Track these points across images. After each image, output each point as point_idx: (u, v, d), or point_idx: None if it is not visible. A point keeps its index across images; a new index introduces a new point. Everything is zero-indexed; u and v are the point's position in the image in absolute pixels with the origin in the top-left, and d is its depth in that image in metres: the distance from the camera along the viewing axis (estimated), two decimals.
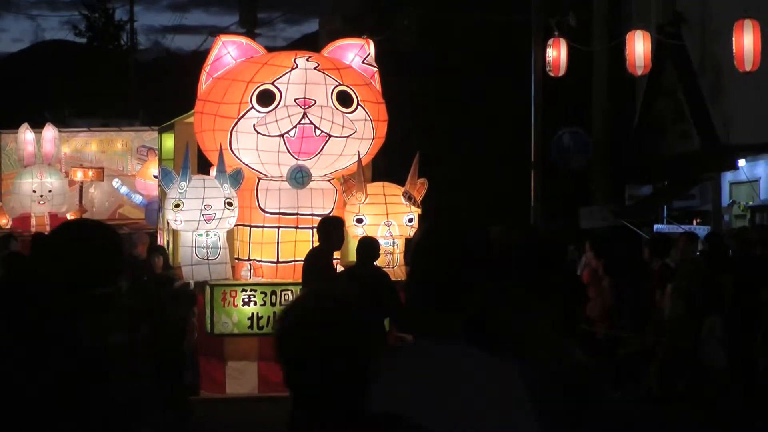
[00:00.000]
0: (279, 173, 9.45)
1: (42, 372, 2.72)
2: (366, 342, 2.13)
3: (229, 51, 9.79)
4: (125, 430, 2.82)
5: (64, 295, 2.83)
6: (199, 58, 22.42)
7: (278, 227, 9.62)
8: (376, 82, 10.00)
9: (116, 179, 17.27)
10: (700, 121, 15.61)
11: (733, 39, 12.92)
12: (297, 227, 9.58)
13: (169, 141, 11.31)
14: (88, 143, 18.28)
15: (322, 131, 9.22)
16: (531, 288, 2.66)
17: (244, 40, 10.24)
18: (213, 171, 10.67)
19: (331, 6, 24.81)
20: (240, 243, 9.90)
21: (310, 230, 9.33)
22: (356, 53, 10.02)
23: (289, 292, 9.29)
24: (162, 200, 10.61)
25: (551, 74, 16.26)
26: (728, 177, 15.95)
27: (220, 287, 9.37)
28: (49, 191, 16.38)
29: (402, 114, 10.02)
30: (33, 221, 16.10)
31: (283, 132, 9.20)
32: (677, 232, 14.15)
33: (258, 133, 9.25)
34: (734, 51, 12.91)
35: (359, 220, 9.74)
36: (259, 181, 9.68)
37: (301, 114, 9.18)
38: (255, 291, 9.33)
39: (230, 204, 9.51)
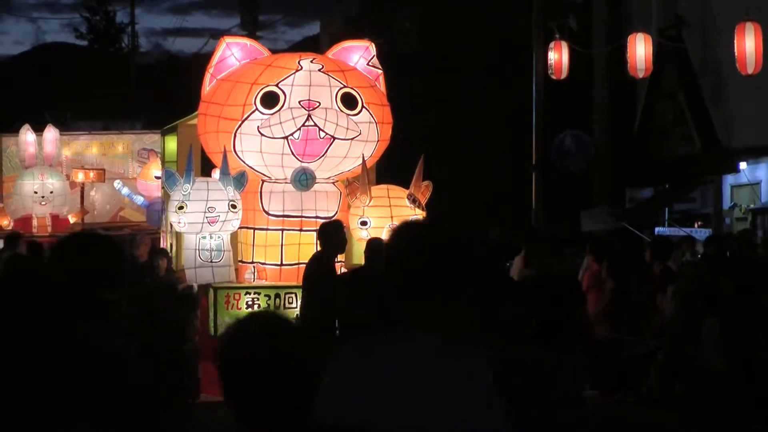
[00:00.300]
0: (283, 175, 9.41)
1: (45, 373, 2.76)
2: (302, 365, 2.25)
3: (233, 52, 9.76)
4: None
5: (70, 299, 2.90)
6: (200, 60, 22.43)
7: (282, 230, 9.59)
8: (381, 84, 9.96)
9: (117, 180, 17.28)
10: (701, 123, 15.62)
11: (735, 41, 12.94)
12: (301, 230, 9.55)
13: (172, 143, 11.30)
14: (89, 146, 18.28)
15: (327, 133, 9.18)
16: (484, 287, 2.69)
17: (248, 42, 10.21)
18: (215, 173, 10.66)
19: (333, 8, 24.86)
20: (244, 245, 9.87)
21: (314, 233, 9.30)
22: (361, 55, 9.98)
23: (292, 295, 9.27)
24: (165, 202, 10.59)
25: (552, 77, 16.29)
26: (729, 180, 15.95)
27: (224, 290, 9.37)
28: (51, 192, 16.40)
29: (403, 116, 9.98)
30: (34, 222, 16.12)
31: (287, 134, 9.16)
32: (678, 234, 14.17)
33: (262, 135, 9.21)
34: (735, 53, 12.93)
35: (363, 223, 9.68)
36: (263, 183, 9.64)
37: (306, 116, 9.14)
38: (259, 294, 9.32)
39: (234, 206, 9.48)
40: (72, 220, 16.92)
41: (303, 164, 9.27)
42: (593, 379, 10.98)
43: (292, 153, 9.23)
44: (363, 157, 9.47)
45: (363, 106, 9.42)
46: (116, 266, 3.02)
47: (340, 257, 8.74)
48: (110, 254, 3.02)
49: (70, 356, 2.76)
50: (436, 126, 19.83)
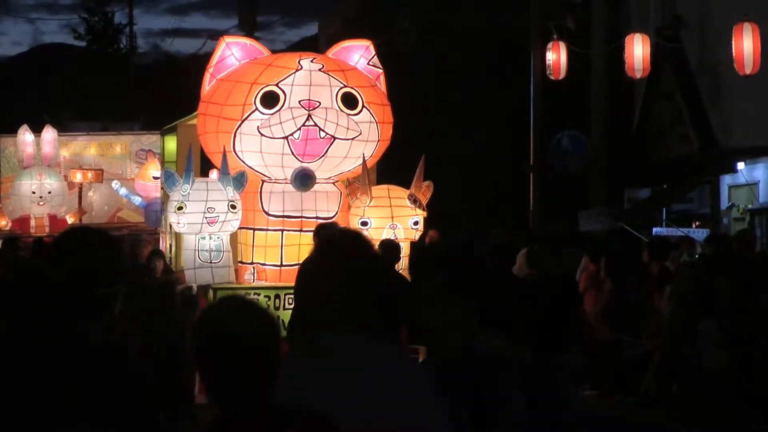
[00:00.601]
0: (283, 176, 9.39)
1: (44, 373, 2.78)
2: (274, 343, 2.37)
3: (232, 52, 9.72)
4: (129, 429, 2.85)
5: (67, 295, 2.92)
6: (198, 61, 22.42)
7: (282, 230, 9.57)
8: (382, 84, 9.92)
9: (115, 181, 17.28)
10: (699, 124, 15.62)
11: (733, 42, 12.95)
12: (301, 230, 9.50)
13: (171, 143, 11.29)
14: (87, 147, 18.27)
15: (327, 133, 9.15)
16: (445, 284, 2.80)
17: (248, 41, 10.18)
18: (212, 173, 10.65)
19: (331, 8, 24.86)
20: (243, 246, 9.85)
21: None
22: (361, 54, 9.94)
23: (292, 296, 9.24)
24: (165, 203, 10.58)
25: (551, 77, 16.30)
26: (727, 180, 15.96)
27: (223, 291, 9.31)
28: (49, 192, 16.40)
29: (402, 116, 9.96)
30: (32, 223, 16.12)
31: (287, 134, 9.14)
32: (676, 235, 14.18)
33: (262, 135, 9.18)
34: (734, 54, 12.93)
35: (364, 223, 9.64)
36: (262, 183, 9.62)
37: (306, 116, 9.12)
38: (258, 294, 9.22)
39: (234, 207, 9.46)
40: (70, 220, 16.90)
41: (303, 164, 9.24)
42: (592, 379, 11.01)
43: (292, 153, 9.21)
44: (363, 157, 9.43)
45: (363, 106, 9.39)
46: (112, 260, 3.07)
47: None
48: (106, 249, 3.06)
49: (70, 356, 2.80)
50: (435, 126, 19.83)
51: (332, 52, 10.14)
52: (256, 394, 2.36)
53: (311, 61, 9.50)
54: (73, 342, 2.87)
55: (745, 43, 12.88)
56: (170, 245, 10.79)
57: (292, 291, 9.21)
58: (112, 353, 2.86)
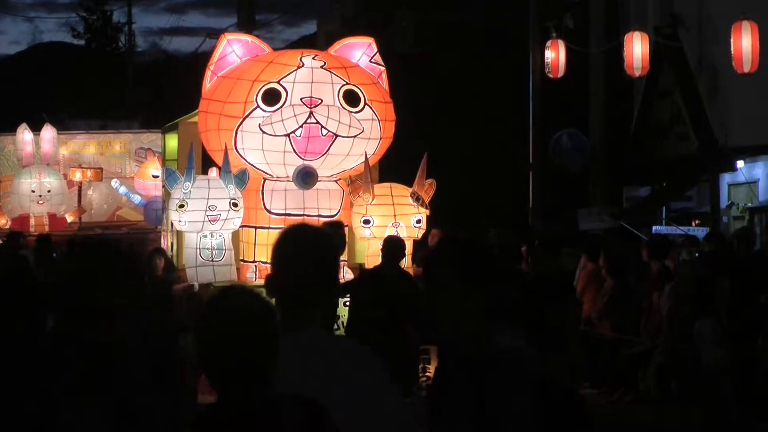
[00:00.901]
0: (285, 173, 9.32)
1: (47, 365, 3.00)
2: (273, 332, 2.47)
3: (234, 49, 9.64)
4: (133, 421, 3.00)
5: (75, 300, 3.14)
6: (197, 59, 22.38)
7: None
8: (384, 81, 9.85)
9: (115, 179, 17.27)
10: (698, 122, 15.63)
11: (731, 40, 12.97)
12: None
13: (172, 141, 11.24)
14: (86, 145, 18.27)
15: (329, 131, 9.08)
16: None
17: (249, 38, 10.05)
18: (212, 172, 10.60)
19: (330, 8, 24.86)
20: (245, 244, 9.80)
21: None
22: (363, 51, 9.84)
23: None
24: (166, 201, 10.55)
25: (550, 76, 16.33)
26: (726, 178, 15.97)
27: None
28: (48, 191, 16.39)
29: (400, 115, 9.91)
30: (32, 221, 16.10)
31: (288, 132, 9.06)
32: (676, 233, 14.20)
33: (263, 132, 9.11)
34: (732, 52, 12.95)
35: (366, 221, 9.58)
36: (264, 181, 9.55)
37: (308, 113, 9.04)
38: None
39: (235, 205, 9.39)
40: (69, 219, 16.90)
41: (305, 162, 9.16)
42: (592, 377, 11.02)
43: (294, 151, 9.13)
44: (366, 155, 9.38)
45: (365, 104, 9.31)
46: (134, 274, 3.37)
47: (342, 257, 8.69)
48: (128, 262, 3.33)
49: (74, 349, 2.99)
50: (433, 125, 19.83)
51: (334, 49, 10.05)
52: (256, 383, 2.44)
53: (313, 59, 9.43)
54: (74, 338, 3.06)
55: (744, 42, 12.91)
56: (171, 243, 10.76)
57: None
58: (109, 353, 3.03)
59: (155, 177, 15.66)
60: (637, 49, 14.56)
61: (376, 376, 2.76)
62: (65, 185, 16.90)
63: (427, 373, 6.94)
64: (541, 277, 8.13)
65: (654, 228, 15.25)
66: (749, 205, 15.30)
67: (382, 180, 10.25)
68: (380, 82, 9.83)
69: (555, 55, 16.13)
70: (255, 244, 9.64)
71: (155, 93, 31.15)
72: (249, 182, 9.44)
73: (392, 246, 7.82)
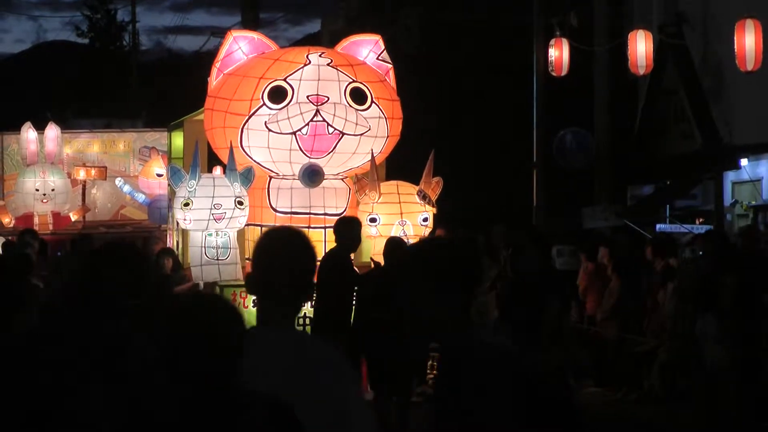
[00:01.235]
0: (291, 172, 9.27)
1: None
2: (237, 332, 2.55)
3: (240, 46, 9.58)
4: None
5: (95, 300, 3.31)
6: (201, 58, 22.37)
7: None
8: (391, 79, 9.78)
9: (119, 178, 17.29)
10: (702, 120, 15.63)
11: (735, 38, 12.96)
12: (309, 227, 9.29)
13: (178, 139, 11.23)
14: (90, 144, 18.27)
15: (335, 129, 9.03)
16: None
17: (255, 36, 9.98)
18: (216, 170, 10.59)
19: (334, 6, 24.86)
20: (251, 243, 9.73)
21: (323, 230, 9.20)
22: (371, 49, 9.77)
23: None
24: (171, 199, 10.53)
25: (553, 74, 16.33)
26: (730, 176, 15.96)
27: (230, 288, 9.22)
28: (52, 190, 16.40)
29: (405, 114, 9.88)
30: (36, 220, 16.12)
31: (295, 129, 9.02)
32: (680, 231, 14.19)
33: (269, 130, 9.06)
34: (736, 50, 12.95)
35: (373, 220, 9.51)
36: (270, 179, 9.51)
37: (314, 111, 8.99)
38: None
39: (241, 203, 9.34)
40: (73, 218, 16.92)
41: (311, 160, 9.12)
42: (596, 376, 11.03)
43: (300, 149, 9.08)
44: (372, 153, 9.32)
45: (372, 101, 9.25)
46: (144, 276, 3.40)
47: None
48: (140, 265, 3.42)
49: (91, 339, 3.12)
50: (436, 124, 19.82)
51: (341, 46, 9.97)
52: (220, 380, 2.50)
53: (320, 56, 9.36)
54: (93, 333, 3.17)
55: (747, 40, 12.90)
56: (177, 242, 10.75)
57: None
58: (120, 339, 3.13)
59: (159, 176, 15.67)
60: (641, 47, 14.55)
61: (344, 377, 2.89)
62: (69, 184, 16.91)
63: (435, 372, 6.94)
64: (525, 275, 8.10)
65: (658, 226, 15.24)
66: (753, 203, 15.29)
67: (393, 176, 10.19)
68: (387, 79, 9.75)
69: (559, 53, 16.12)
70: None
71: (159, 92, 31.18)
72: (255, 180, 9.41)
73: (394, 247, 7.80)
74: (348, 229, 7.94)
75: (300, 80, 9.15)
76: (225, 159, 9.51)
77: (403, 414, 3.14)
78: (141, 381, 2.92)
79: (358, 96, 9.21)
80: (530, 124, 17.65)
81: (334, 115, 9.04)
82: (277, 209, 9.51)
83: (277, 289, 2.90)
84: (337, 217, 9.26)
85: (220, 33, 15.45)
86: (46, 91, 35.37)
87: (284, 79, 9.17)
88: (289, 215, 9.47)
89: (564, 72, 16.12)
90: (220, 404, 2.50)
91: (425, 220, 9.69)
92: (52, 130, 16.60)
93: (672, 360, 9.99)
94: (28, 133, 16.57)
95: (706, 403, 9.27)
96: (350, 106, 9.15)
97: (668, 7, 16.96)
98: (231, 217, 9.40)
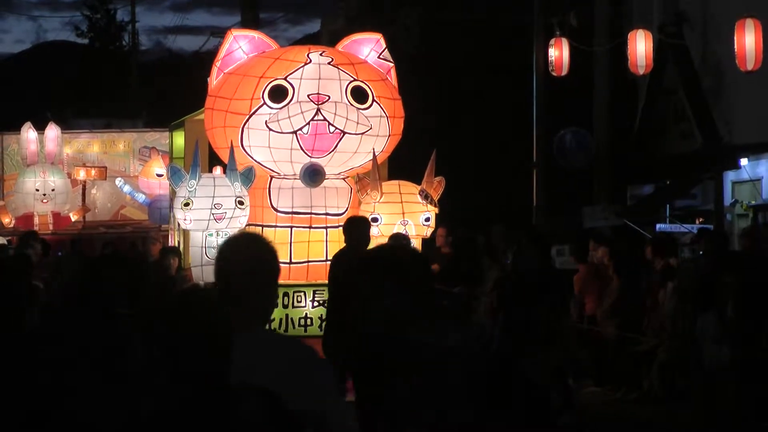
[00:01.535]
0: (292, 171, 9.24)
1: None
2: (225, 331, 2.60)
3: (240, 45, 9.55)
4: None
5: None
6: (201, 58, 22.35)
7: (291, 227, 9.40)
8: (393, 78, 9.73)
9: (119, 178, 17.29)
10: (702, 120, 15.63)
11: (735, 38, 12.96)
12: (310, 227, 9.36)
13: (180, 139, 11.21)
14: (90, 144, 18.29)
15: (336, 128, 8.99)
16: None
17: (256, 35, 9.95)
18: (216, 170, 10.57)
19: (334, 6, 24.87)
20: None
21: (324, 230, 9.19)
22: (372, 48, 9.73)
23: (301, 294, 9.05)
24: (173, 199, 10.51)
25: (553, 74, 16.32)
26: (730, 176, 15.96)
27: None
28: (52, 190, 16.42)
29: (405, 113, 9.85)
30: (36, 220, 16.14)
31: (295, 129, 8.99)
32: (680, 231, 14.19)
33: (270, 129, 9.03)
34: (736, 50, 12.94)
35: (374, 219, 9.36)
36: (271, 179, 9.49)
37: (315, 110, 8.95)
38: None
39: (241, 203, 9.29)
40: (73, 217, 16.92)
41: (312, 159, 9.09)
42: (595, 376, 11.02)
43: (301, 148, 9.05)
44: (374, 152, 9.27)
45: (374, 100, 9.21)
46: (138, 288, 3.52)
47: None
48: (133, 277, 3.54)
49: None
50: (436, 124, 19.83)
51: (342, 45, 9.93)
52: (212, 376, 2.56)
53: (320, 55, 9.34)
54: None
55: (747, 40, 12.89)
56: (178, 242, 10.73)
57: (301, 289, 9.09)
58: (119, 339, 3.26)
59: (159, 176, 15.67)
60: (640, 47, 14.54)
61: (319, 376, 2.95)
62: (69, 184, 16.92)
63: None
64: (525, 275, 8.09)
65: (658, 226, 15.25)
66: (753, 202, 15.29)
67: (395, 176, 10.14)
68: (389, 78, 9.71)
69: (559, 53, 16.12)
70: None
71: (159, 92, 31.18)
72: (256, 180, 9.37)
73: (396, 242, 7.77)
74: (355, 229, 7.85)
75: (301, 79, 9.11)
76: (225, 158, 9.45)
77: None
78: (140, 381, 2.95)
79: (359, 95, 9.17)
80: (530, 124, 17.65)
81: (335, 114, 8.99)
82: (279, 209, 9.49)
83: (243, 295, 2.94)
84: (339, 217, 9.26)
85: (220, 33, 15.44)
86: (45, 91, 35.38)
87: (285, 78, 9.13)
88: (290, 215, 9.45)
89: (564, 72, 16.11)
90: (218, 402, 2.53)
91: (427, 219, 9.64)
92: (52, 131, 16.61)
93: (671, 359, 9.98)
94: (29, 133, 16.57)
95: (705, 402, 9.25)
96: (351, 104, 9.10)
97: (668, 7, 16.96)
98: (231, 217, 9.35)
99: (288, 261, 9.45)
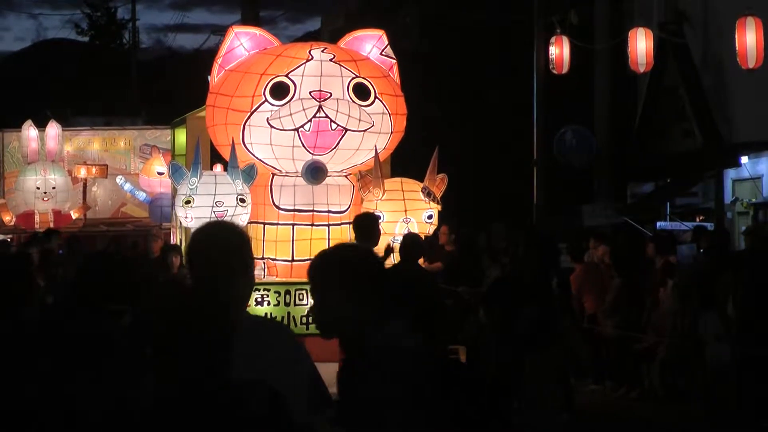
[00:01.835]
0: (294, 169, 9.17)
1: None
2: (223, 324, 2.66)
3: (242, 42, 9.47)
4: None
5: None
6: (201, 56, 22.35)
7: (293, 225, 9.32)
8: (395, 74, 9.65)
9: (120, 176, 17.29)
10: (703, 118, 15.64)
11: (735, 36, 12.98)
12: (312, 224, 9.28)
13: (181, 136, 11.17)
14: (91, 142, 18.28)
15: (338, 125, 8.90)
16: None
17: (257, 31, 9.89)
18: (216, 168, 10.55)
19: (334, 4, 24.90)
20: (253, 241, 9.51)
21: (326, 227, 9.15)
22: (374, 44, 9.64)
23: (303, 292, 8.92)
24: (174, 197, 10.49)
25: (554, 72, 16.33)
26: (731, 174, 15.99)
27: None
28: (53, 188, 16.42)
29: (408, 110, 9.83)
30: (37, 218, 16.13)
31: (297, 126, 8.89)
32: (680, 229, 14.21)
33: (272, 127, 8.94)
34: (736, 48, 12.96)
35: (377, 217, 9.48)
36: (273, 176, 9.41)
37: (317, 107, 8.87)
38: (268, 290, 8.92)
39: (243, 200, 9.21)
40: (74, 215, 16.91)
41: (314, 157, 9.02)
42: (596, 374, 11.03)
43: (303, 145, 8.96)
44: (376, 150, 9.20)
45: (376, 97, 9.11)
46: (126, 285, 3.54)
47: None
48: (122, 274, 3.57)
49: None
50: (436, 122, 19.84)
51: (344, 41, 9.84)
52: (212, 371, 2.60)
53: (322, 51, 9.26)
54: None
55: (748, 38, 12.91)
56: (180, 240, 10.71)
57: (303, 287, 8.98)
58: (105, 334, 3.30)
59: (160, 174, 15.65)
60: (641, 45, 14.56)
61: (299, 352, 3.03)
62: (70, 182, 16.92)
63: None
64: (524, 275, 8.08)
65: (658, 224, 15.27)
66: (753, 200, 15.31)
67: (397, 173, 10.09)
68: (391, 75, 9.63)
69: (559, 51, 16.13)
70: (263, 240, 9.43)
71: (159, 90, 31.20)
72: (257, 178, 9.31)
73: (412, 244, 7.73)
74: (364, 226, 7.77)
75: (302, 76, 9.04)
76: (227, 156, 9.38)
77: None
78: (126, 377, 2.98)
79: (361, 91, 9.08)
80: (530, 123, 17.65)
81: (337, 111, 8.91)
82: (280, 207, 9.40)
83: (220, 283, 2.94)
84: (341, 215, 9.24)
85: (221, 31, 15.47)
86: (46, 89, 35.38)
87: (286, 75, 9.05)
88: (292, 213, 9.37)
89: (564, 70, 16.13)
90: (220, 397, 2.56)
91: (430, 217, 9.56)
92: (53, 128, 16.61)
93: (672, 358, 9.99)
94: (29, 131, 16.57)
95: (706, 401, 9.26)
96: (353, 101, 9.02)
97: (669, 5, 16.97)
98: (233, 215, 9.26)
99: (290, 259, 9.41)
